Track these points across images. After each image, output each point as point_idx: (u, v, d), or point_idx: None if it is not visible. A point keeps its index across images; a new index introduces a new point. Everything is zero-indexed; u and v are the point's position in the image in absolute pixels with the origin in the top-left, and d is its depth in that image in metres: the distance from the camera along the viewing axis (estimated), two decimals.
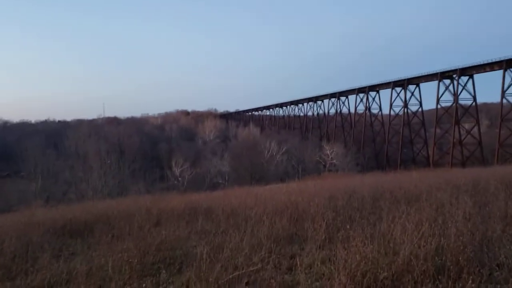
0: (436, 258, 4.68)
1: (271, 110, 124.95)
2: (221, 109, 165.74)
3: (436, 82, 59.91)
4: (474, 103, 56.99)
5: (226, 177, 54.15)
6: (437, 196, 9.17)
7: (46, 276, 5.66)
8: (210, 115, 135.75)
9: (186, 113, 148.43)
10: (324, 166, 58.98)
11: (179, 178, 54.58)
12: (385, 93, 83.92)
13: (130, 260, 5.80)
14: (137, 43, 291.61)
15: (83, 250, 7.49)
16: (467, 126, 59.60)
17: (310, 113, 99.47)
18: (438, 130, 61.14)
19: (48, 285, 5.49)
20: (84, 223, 9.68)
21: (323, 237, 6.43)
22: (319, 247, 6.12)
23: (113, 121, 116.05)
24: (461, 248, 4.83)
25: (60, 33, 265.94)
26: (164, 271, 5.62)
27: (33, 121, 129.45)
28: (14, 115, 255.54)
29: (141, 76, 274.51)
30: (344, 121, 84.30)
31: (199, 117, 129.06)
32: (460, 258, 4.59)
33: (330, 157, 59.13)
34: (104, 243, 7.60)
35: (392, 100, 68.84)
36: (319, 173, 52.33)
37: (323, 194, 11.20)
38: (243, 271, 5.09)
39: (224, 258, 5.59)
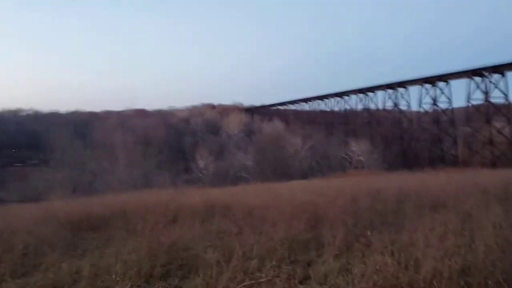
0: (461, 278, 4.28)
1: (296, 104, 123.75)
2: (246, 103, 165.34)
3: (467, 79, 58.17)
4: (506, 102, 55.06)
5: (250, 171, 54.01)
6: (464, 202, 8.64)
7: (51, 276, 5.51)
8: (235, 109, 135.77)
9: (211, 107, 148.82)
10: (350, 163, 57.98)
11: (203, 171, 54.77)
12: (414, 90, 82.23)
13: (140, 261, 5.64)
14: (165, 36, 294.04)
15: (96, 246, 7.34)
16: (498, 125, 57.71)
17: (336, 109, 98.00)
18: (468, 129, 59.38)
19: (53, 286, 5.35)
20: (101, 218, 9.59)
21: (341, 244, 6.10)
22: (337, 256, 5.79)
23: (141, 113, 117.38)
24: (490, 269, 4.40)
25: (91, 25, 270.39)
26: (173, 275, 5.44)
27: (63, 112, 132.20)
28: (44, 105, 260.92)
29: (168, 69, 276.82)
30: (371, 117, 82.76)
31: (224, 110, 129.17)
32: (489, 282, 4.17)
33: (356, 153, 58.08)
34: (118, 239, 7.46)
35: (421, 97, 67.31)
36: (344, 170, 51.54)
37: (346, 194, 10.83)
38: (253, 281, 4.83)
39: (235, 263, 5.34)
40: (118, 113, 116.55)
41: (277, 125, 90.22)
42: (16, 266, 6.10)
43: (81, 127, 69.90)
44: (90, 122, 72.71)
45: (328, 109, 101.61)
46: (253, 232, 6.98)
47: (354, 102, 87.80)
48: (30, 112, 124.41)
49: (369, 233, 6.43)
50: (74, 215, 9.75)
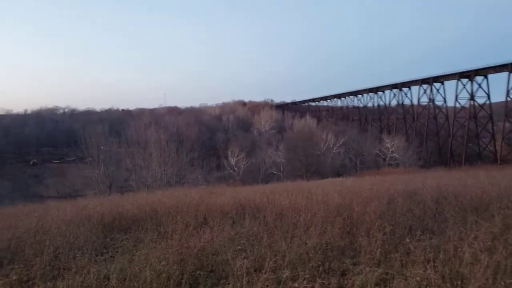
0: None
1: (328, 101, 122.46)
2: (277, 99, 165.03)
3: (506, 73, 56.07)
4: None
5: (281, 168, 53.74)
6: (508, 207, 8.12)
7: (80, 280, 5.45)
8: (266, 105, 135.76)
9: (243, 104, 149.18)
10: (384, 159, 56.84)
11: (235, 168, 54.93)
12: (450, 85, 79.74)
13: (169, 267, 5.52)
14: (197, 35, 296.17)
15: (127, 249, 7.26)
16: None
17: (370, 104, 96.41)
18: (507, 124, 57.29)
19: None
20: (132, 218, 9.57)
21: (378, 252, 5.78)
22: (374, 265, 5.49)
23: (173, 111, 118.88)
24: None
25: (125, 26, 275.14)
26: (202, 283, 5.29)
27: (98, 109, 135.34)
28: (81, 103, 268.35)
29: (200, 67, 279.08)
30: (406, 113, 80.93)
31: (255, 107, 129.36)
32: None
33: (390, 150, 56.85)
34: (149, 241, 7.37)
35: (458, 92, 65.35)
36: (378, 167, 50.61)
37: (381, 195, 10.44)
38: None
39: (267, 273, 5.13)
40: (151, 111, 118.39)
41: (309, 121, 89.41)
42: (46, 269, 6.06)
43: (116, 124, 71.25)
44: (124, 120, 73.85)
45: (361, 105, 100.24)
46: (284, 236, 6.74)
47: (388, 98, 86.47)
48: (66, 110, 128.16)
49: (407, 240, 6.11)
50: (106, 216, 9.76)
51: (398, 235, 6.60)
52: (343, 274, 5.39)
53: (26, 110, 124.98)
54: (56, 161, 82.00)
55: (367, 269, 5.32)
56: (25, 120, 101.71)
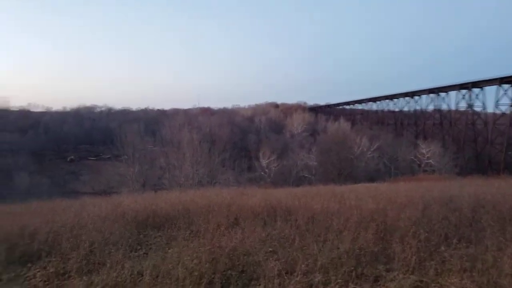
0: None
1: (363, 104, 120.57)
2: (310, 102, 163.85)
3: None
4: None
5: (313, 172, 53.31)
6: None
7: (114, 275, 5.56)
8: (299, 108, 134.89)
9: (275, 106, 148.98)
10: (419, 165, 55.50)
11: (266, 170, 54.85)
12: (490, 90, 77.37)
13: (201, 266, 5.57)
14: (230, 37, 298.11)
15: (160, 246, 7.38)
16: None
17: (405, 109, 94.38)
18: None
19: (115, 285, 5.39)
20: (165, 216, 9.70)
21: (413, 260, 5.66)
22: (408, 272, 5.38)
23: (206, 111, 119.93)
24: None
25: (160, 27, 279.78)
26: (233, 283, 5.32)
27: (134, 109, 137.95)
28: (117, 103, 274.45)
29: (233, 68, 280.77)
30: (443, 118, 78.89)
31: (288, 109, 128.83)
32: None
33: (426, 156, 55.46)
34: (181, 240, 7.45)
35: (498, 98, 63.27)
36: (412, 173, 49.46)
37: (416, 202, 10.23)
38: None
39: (298, 276, 5.10)
40: (185, 111, 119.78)
41: (343, 124, 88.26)
42: (82, 263, 6.23)
43: (151, 124, 72.49)
44: (159, 120, 75.04)
45: (397, 109, 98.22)
46: (316, 240, 6.70)
47: (425, 102, 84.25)
48: (104, 109, 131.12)
49: (443, 248, 5.96)
50: (141, 213, 9.94)
51: (434, 242, 6.46)
52: (376, 280, 5.32)
53: (65, 108, 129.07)
54: (93, 159, 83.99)
55: (401, 276, 5.23)
56: (64, 118, 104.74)
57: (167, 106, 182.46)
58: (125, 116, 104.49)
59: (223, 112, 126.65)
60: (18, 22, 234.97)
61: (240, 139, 77.18)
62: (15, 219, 9.66)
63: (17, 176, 47.80)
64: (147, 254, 6.91)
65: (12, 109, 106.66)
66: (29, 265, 6.27)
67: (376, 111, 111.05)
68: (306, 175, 52.75)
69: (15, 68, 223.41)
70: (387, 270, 5.57)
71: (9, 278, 5.99)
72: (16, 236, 7.54)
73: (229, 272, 5.71)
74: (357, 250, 6.10)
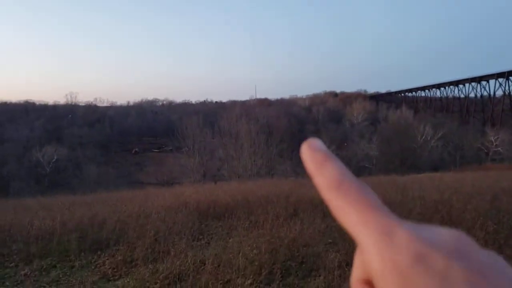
0: None
1: (426, 91, 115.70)
2: (371, 90, 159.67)
3: None
4: None
5: (374, 162, 52.04)
6: None
7: (178, 263, 5.74)
8: (359, 96, 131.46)
9: (333, 95, 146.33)
10: (487, 154, 52.60)
11: None
12: None
13: (260, 256, 5.63)
14: (285, 26, 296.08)
15: (221, 236, 7.55)
16: None
17: (472, 95, 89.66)
18: None
19: (179, 273, 5.56)
20: (225, 206, 9.86)
21: None
22: None
23: (263, 102, 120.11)
24: None
25: (217, 21, 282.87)
26: (293, 274, 5.33)
27: (193, 101, 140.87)
28: (178, 96, 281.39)
29: (289, 57, 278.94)
30: None
31: (347, 98, 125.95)
32: None
33: (494, 144, 52.45)
34: (241, 230, 7.57)
35: None
36: (480, 162, 47.04)
37: (484, 192, 9.74)
38: None
39: None
40: (243, 103, 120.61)
41: (405, 113, 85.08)
42: (148, 252, 6.47)
43: (210, 116, 73.53)
44: (218, 112, 76.12)
45: (462, 96, 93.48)
46: None
47: (494, 88, 79.65)
48: (165, 102, 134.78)
49: None
50: (202, 203, 10.19)
51: (503, 235, 6.14)
52: None
53: (128, 102, 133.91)
54: (156, 150, 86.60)
55: None
56: (128, 112, 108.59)
57: (225, 98, 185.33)
58: (185, 109, 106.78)
59: (280, 102, 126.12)
60: (81, 23, 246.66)
61: (298, 130, 76.55)
62: (85, 209, 10.19)
63: (86, 168, 50.29)
64: (209, 243, 7.08)
65: (80, 104, 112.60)
66: (98, 252, 6.64)
67: (440, 98, 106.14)
68: (367, 165, 51.58)
69: (82, 65, 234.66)
70: None
71: (81, 265, 6.33)
72: (87, 225, 7.96)
73: (288, 263, 5.74)
74: None
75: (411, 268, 0.27)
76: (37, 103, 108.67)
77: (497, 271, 0.28)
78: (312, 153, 0.40)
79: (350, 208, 0.34)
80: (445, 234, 0.33)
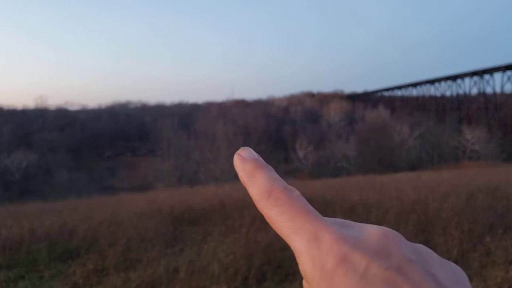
0: None
1: (403, 90, 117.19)
2: (347, 89, 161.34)
3: None
4: None
5: (352, 162, 52.49)
6: None
7: (150, 272, 5.59)
8: (336, 96, 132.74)
9: (311, 95, 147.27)
10: (464, 152, 53.47)
11: (303, 161, 54.45)
12: None
13: (236, 262, 5.50)
14: (262, 26, 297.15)
15: (195, 242, 7.37)
16: None
17: (448, 93, 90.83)
18: None
19: (152, 281, 5.40)
20: (201, 211, 9.69)
21: (456, 251, 5.41)
22: None
23: (241, 104, 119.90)
24: None
25: (191, 20, 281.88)
26: (269, 279, 5.22)
27: (168, 103, 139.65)
28: (151, 98, 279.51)
29: (267, 58, 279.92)
30: (488, 102, 75.81)
31: (324, 98, 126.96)
32: None
33: (470, 142, 53.39)
34: (216, 235, 7.43)
35: None
36: (457, 161, 47.89)
37: (460, 191, 9.82)
38: None
39: None
40: (219, 104, 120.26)
41: (382, 112, 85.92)
42: (119, 260, 6.27)
43: (185, 118, 73.11)
44: (193, 113, 75.69)
45: (439, 94, 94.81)
46: None
47: (468, 86, 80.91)
48: (138, 104, 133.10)
49: (488, 239, 5.69)
50: (176, 208, 9.98)
51: (477, 233, 6.17)
52: None
53: (100, 105, 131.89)
54: (129, 154, 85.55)
55: None
56: (100, 115, 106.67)
57: (200, 99, 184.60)
58: (160, 111, 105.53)
59: (258, 103, 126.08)
60: (49, 24, 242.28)
61: (276, 131, 76.69)
62: (55, 217, 9.90)
63: (57, 174, 49.37)
64: (183, 250, 6.91)
65: (50, 108, 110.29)
66: (69, 261, 6.41)
67: (417, 97, 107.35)
68: (345, 166, 51.97)
69: (51, 67, 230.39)
70: None
71: (51, 275, 6.11)
72: (57, 233, 7.71)
73: (264, 267, 5.61)
74: None
75: (335, 270, 0.29)
76: (6, 107, 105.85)
77: (419, 266, 0.29)
78: (242, 163, 0.41)
79: (282, 217, 0.35)
80: (371, 232, 0.34)
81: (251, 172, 0.40)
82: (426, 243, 6.05)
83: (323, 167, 50.68)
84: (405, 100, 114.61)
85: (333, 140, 60.23)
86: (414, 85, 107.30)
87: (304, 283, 0.34)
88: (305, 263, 0.32)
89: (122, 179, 53.97)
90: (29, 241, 7.31)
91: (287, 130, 76.67)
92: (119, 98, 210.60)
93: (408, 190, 10.45)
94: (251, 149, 0.42)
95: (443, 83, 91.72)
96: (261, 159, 0.42)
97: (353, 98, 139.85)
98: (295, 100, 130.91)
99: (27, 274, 6.20)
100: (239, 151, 0.43)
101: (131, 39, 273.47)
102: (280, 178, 0.39)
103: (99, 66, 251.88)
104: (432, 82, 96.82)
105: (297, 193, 0.38)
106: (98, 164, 75.46)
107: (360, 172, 32.46)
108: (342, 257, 0.30)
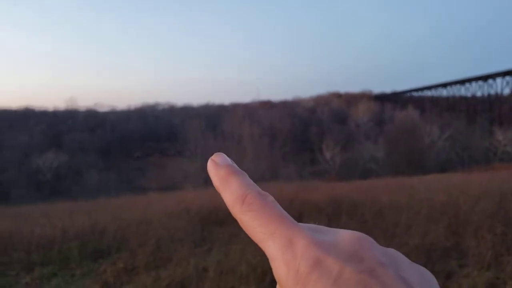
0: None
1: (432, 90, 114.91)
2: (376, 90, 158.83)
3: None
4: None
5: (380, 163, 51.79)
6: None
7: (180, 271, 5.65)
8: (364, 96, 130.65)
9: (338, 95, 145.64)
10: (495, 154, 51.97)
11: (330, 162, 54.01)
12: None
13: (263, 263, 5.51)
14: (286, 26, 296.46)
15: (223, 242, 7.42)
16: None
17: (479, 94, 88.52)
18: None
19: (181, 280, 5.46)
20: (227, 212, 9.61)
21: (488, 255, 5.28)
22: (483, 268, 5.03)
23: (266, 105, 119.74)
24: None
25: (217, 22, 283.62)
26: None
27: (195, 105, 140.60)
28: (179, 99, 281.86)
29: (293, 58, 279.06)
30: None
31: (351, 99, 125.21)
32: None
33: (502, 144, 51.86)
34: (244, 236, 7.45)
35: None
36: (488, 162, 46.60)
37: (492, 193, 9.57)
38: None
39: None
40: (245, 105, 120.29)
41: (411, 113, 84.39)
42: (149, 259, 6.37)
43: (212, 119, 73.46)
44: (220, 114, 76.13)
45: (469, 95, 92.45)
46: (384, 235, 6.42)
47: (500, 86, 78.60)
48: (166, 106, 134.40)
49: None
50: (204, 208, 10.06)
51: (511, 236, 6.00)
52: (448, 276, 5.01)
53: (129, 106, 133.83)
54: (157, 155, 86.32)
55: (475, 272, 4.92)
56: (129, 116, 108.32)
57: (227, 100, 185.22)
58: (187, 112, 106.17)
59: (284, 104, 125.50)
60: (80, 26, 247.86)
61: (302, 132, 76.25)
62: (86, 216, 10.11)
63: (87, 174, 50.32)
64: (211, 250, 6.96)
65: (80, 109, 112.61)
66: (100, 260, 6.56)
67: (447, 97, 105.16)
68: (373, 167, 51.30)
69: (81, 69, 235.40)
70: (460, 266, 5.27)
71: (82, 273, 6.25)
72: (88, 233, 7.88)
73: None
74: (428, 246, 5.81)
75: (309, 275, 0.29)
76: (37, 109, 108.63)
77: (391, 269, 0.30)
78: (216, 169, 0.41)
79: (255, 222, 0.35)
80: (344, 237, 0.34)
81: (224, 177, 0.40)
82: (457, 246, 5.95)
83: (351, 169, 50.08)
84: (435, 100, 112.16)
85: (361, 141, 59.60)
86: (444, 85, 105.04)
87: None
88: (279, 268, 0.32)
89: (151, 179, 54.61)
90: (61, 240, 7.51)
91: (313, 131, 76.14)
92: (148, 99, 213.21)
93: (438, 192, 10.24)
94: (224, 155, 0.43)
95: (474, 83, 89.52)
96: (235, 165, 0.42)
97: (382, 98, 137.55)
98: (321, 101, 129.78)
99: (60, 272, 6.37)
100: (212, 157, 0.43)
101: (159, 41, 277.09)
102: (254, 184, 0.39)
103: (128, 68, 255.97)
104: (462, 82, 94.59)
105: (271, 198, 0.38)
106: (127, 165, 76.58)
107: (389, 173, 32.06)
108: (316, 261, 0.30)
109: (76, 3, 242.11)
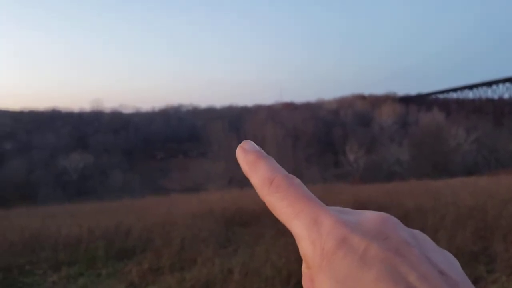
0: None
1: (458, 92, 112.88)
2: (400, 92, 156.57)
3: None
4: None
5: (405, 166, 51.04)
6: None
7: (205, 272, 5.63)
8: (388, 98, 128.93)
9: (362, 97, 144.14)
10: None
11: (354, 165, 53.53)
12: None
13: (288, 265, 5.46)
14: (309, 28, 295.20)
15: (247, 244, 7.40)
16: None
17: (506, 96, 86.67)
18: None
19: (206, 282, 5.44)
20: (252, 213, 9.71)
21: None
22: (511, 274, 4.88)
23: (289, 106, 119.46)
24: None
25: (240, 24, 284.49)
26: None
27: (218, 106, 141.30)
28: (202, 101, 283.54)
29: (317, 60, 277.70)
30: None
31: (376, 101, 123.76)
32: None
33: None
34: (268, 238, 7.41)
35: None
36: None
37: None
38: None
39: None
40: (268, 107, 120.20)
41: (437, 115, 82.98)
42: (174, 260, 6.38)
43: (235, 121, 73.64)
44: (243, 116, 76.26)
45: (496, 97, 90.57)
46: None
47: None
48: (189, 107, 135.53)
49: None
50: (228, 210, 10.07)
51: None
52: (475, 281, 4.89)
53: (153, 108, 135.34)
54: (180, 156, 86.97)
55: (504, 277, 4.82)
56: (153, 118, 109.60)
57: (250, 102, 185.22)
58: (210, 114, 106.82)
59: (306, 106, 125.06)
60: (105, 28, 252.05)
61: (325, 134, 75.74)
62: (111, 216, 10.22)
63: (112, 175, 51.06)
64: (236, 251, 6.95)
65: (105, 110, 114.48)
66: (125, 260, 6.61)
67: (473, 100, 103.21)
68: (398, 170, 50.58)
69: (106, 71, 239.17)
70: (488, 271, 5.15)
71: (108, 273, 6.30)
72: (113, 233, 7.96)
73: None
74: (454, 250, 5.65)
75: (335, 252, 0.30)
76: (63, 110, 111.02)
77: (416, 249, 0.30)
78: (244, 155, 0.43)
79: (282, 202, 0.36)
80: (370, 217, 0.35)
81: (253, 162, 0.42)
82: (485, 250, 5.81)
83: (375, 172, 49.51)
84: (460, 102, 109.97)
85: (385, 144, 58.89)
86: (470, 87, 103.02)
87: (304, 268, 0.35)
88: (306, 246, 0.32)
89: (174, 180, 55.01)
90: (87, 239, 7.60)
91: (337, 133, 75.54)
92: (171, 101, 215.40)
93: (465, 196, 10.04)
94: (252, 142, 0.44)
95: (500, 85, 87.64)
96: (262, 150, 0.43)
97: (406, 100, 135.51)
98: (345, 103, 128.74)
99: (86, 272, 6.46)
100: (241, 144, 0.44)
101: (183, 43, 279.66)
102: (281, 167, 0.40)
103: (152, 69, 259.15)
104: (489, 84, 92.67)
105: (298, 180, 0.40)
106: (150, 166, 77.39)
107: (414, 176, 31.48)
108: (341, 239, 0.31)
109: (101, 4, 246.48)
